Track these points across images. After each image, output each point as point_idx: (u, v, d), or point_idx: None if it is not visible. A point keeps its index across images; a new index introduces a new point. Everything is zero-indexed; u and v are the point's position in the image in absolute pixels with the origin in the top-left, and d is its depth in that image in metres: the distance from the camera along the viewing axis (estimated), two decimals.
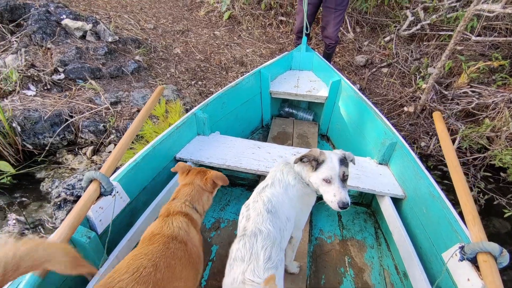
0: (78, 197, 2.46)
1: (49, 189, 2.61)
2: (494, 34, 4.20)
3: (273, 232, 1.19)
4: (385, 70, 4.62)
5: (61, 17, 3.92)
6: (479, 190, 3.02)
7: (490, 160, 3.21)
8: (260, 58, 4.83)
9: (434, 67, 4.28)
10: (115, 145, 3.17)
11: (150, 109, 2.16)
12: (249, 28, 5.47)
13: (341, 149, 1.49)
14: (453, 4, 4.65)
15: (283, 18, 5.53)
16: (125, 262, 1.08)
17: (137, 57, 4.03)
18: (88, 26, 3.88)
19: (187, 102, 3.70)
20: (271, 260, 1.10)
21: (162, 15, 5.41)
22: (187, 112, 2.50)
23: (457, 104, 3.72)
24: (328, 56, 4.02)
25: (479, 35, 4.15)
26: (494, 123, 3.24)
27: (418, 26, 4.63)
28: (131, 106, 3.41)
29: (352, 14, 5.32)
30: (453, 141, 3.42)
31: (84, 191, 1.53)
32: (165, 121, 2.72)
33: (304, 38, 3.67)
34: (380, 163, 2.39)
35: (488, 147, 3.25)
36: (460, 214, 1.49)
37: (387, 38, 4.92)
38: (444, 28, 4.68)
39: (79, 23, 3.80)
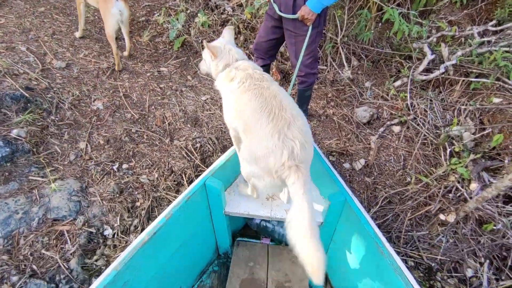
0: None
1: None
2: None
3: None
4: (396, 129, 3.32)
5: None
6: None
7: None
8: (222, 112, 3.38)
9: (462, 127, 3.02)
10: None
11: None
12: None
13: None
14: (485, 39, 3.40)
15: None
16: None
17: (15, 131, 2.48)
18: None
19: (95, 216, 2.22)
20: None
21: (84, 43, 3.83)
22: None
23: None
24: (301, 98, 2.84)
25: None
26: None
27: (442, 69, 3.34)
28: None
29: (349, 43, 3.97)
30: None
31: None
32: None
33: None
34: None
35: None
36: None
37: (398, 83, 3.60)
38: (474, 70, 3.42)
39: None
